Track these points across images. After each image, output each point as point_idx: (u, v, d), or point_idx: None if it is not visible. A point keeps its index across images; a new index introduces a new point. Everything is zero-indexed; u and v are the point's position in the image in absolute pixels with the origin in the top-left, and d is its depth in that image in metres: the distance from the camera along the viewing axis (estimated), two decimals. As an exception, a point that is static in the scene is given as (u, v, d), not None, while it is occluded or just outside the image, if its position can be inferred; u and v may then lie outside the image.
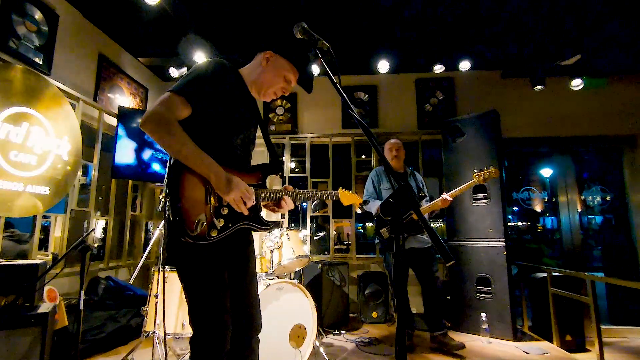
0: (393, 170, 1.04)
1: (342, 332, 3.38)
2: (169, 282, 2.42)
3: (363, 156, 4.70)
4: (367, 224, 5.22)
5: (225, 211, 1.26)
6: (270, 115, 4.68)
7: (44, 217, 2.90)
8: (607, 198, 4.46)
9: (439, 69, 4.21)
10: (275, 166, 1.45)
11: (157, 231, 2.62)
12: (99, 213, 3.54)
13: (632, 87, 4.26)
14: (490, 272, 3.30)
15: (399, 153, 3.13)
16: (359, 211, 4.45)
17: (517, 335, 3.20)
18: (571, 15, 3.30)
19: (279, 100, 4.68)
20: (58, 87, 2.88)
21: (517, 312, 3.37)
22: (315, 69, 4.13)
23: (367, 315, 3.76)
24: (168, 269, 2.44)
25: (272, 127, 4.63)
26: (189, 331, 1.42)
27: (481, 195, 3.45)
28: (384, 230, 2.94)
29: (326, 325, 3.42)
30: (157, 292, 2.34)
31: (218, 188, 1.21)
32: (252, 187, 1.32)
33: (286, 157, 4.59)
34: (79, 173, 3.15)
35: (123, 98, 3.92)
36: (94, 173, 3.40)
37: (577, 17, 3.30)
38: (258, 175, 1.39)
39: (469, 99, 4.48)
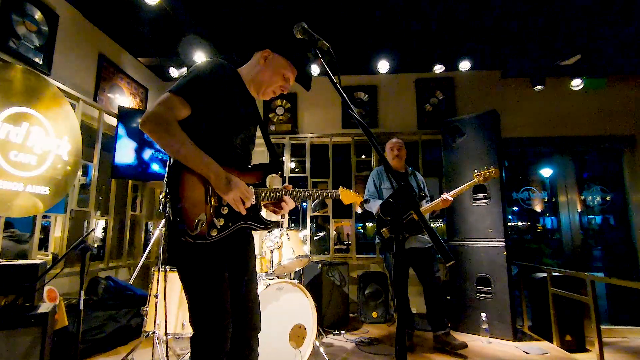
0: (393, 169, 1.03)
1: (342, 332, 3.37)
2: (169, 282, 2.42)
3: (363, 156, 4.70)
4: (367, 223, 5.22)
5: (225, 211, 1.26)
6: (270, 115, 4.68)
7: (44, 217, 2.89)
8: (607, 198, 4.46)
9: (439, 69, 4.21)
10: (275, 166, 1.45)
11: (157, 231, 2.62)
12: (99, 213, 3.54)
13: (632, 87, 4.26)
14: (490, 272, 3.30)
15: (400, 153, 3.13)
16: (359, 211, 4.45)
17: (517, 335, 3.20)
18: (571, 15, 3.30)
19: (278, 100, 4.68)
20: (58, 87, 2.88)
21: (517, 312, 3.36)
22: (315, 69, 4.14)
23: (367, 315, 3.76)
24: (168, 269, 2.44)
25: (272, 127, 4.63)
26: (189, 331, 1.42)
27: (481, 195, 3.45)
28: (384, 230, 2.94)
29: (326, 325, 3.42)
30: (157, 292, 2.34)
31: (217, 187, 1.21)
32: (251, 187, 1.32)
33: (286, 157, 4.59)
34: (79, 173, 3.15)
35: (123, 98, 3.92)
36: (94, 173, 3.40)
37: (577, 17, 3.30)
38: (258, 174, 1.39)
39: (469, 99, 4.48)
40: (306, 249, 2.71)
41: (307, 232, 4.03)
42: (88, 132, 3.41)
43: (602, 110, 4.26)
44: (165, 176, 1.21)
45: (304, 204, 4.54)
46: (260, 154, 4.35)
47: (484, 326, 3.16)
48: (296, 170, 4.79)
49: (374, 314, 3.74)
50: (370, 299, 3.78)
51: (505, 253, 3.25)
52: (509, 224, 3.60)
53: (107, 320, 2.93)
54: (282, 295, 2.34)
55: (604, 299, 4.23)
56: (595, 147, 4.54)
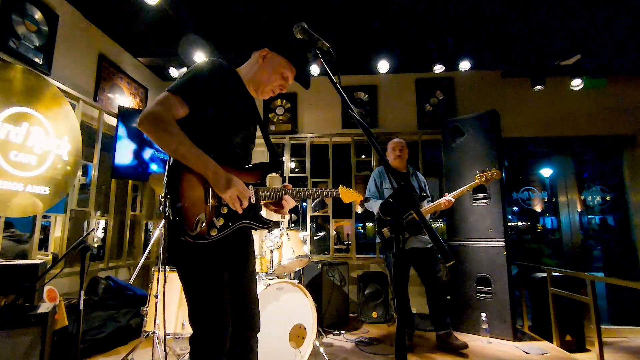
0: (393, 170, 1.03)
1: (342, 332, 3.37)
2: (169, 282, 2.42)
3: (363, 156, 4.69)
4: (367, 223, 5.22)
5: (224, 210, 1.26)
6: (270, 115, 4.68)
7: (43, 217, 2.89)
8: (607, 198, 4.46)
9: (439, 69, 4.21)
10: (275, 165, 1.45)
11: (157, 231, 2.62)
12: (99, 213, 3.54)
13: (632, 87, 4.26)
14: (490, 272, 3.30)
15: (402, 153, 3.13)
16: (359, 211, 4.45)
17: (517, 335, 3.20)
18: (571, 15, 3.29)
19: (278, 100, 4.68)
20: (58, 87, 2.88)
21: (517, 312, 3.37)
22: (315, 69, 4.14)
23: (367, 315, 3.76)
24: (168, 269, 2.44)
25: (272, 127, 4.63)
26: (189, 331, 1.42)
27: (481, 195, 3.45)
28: (385, 230, 2.94)
29: (326, 325, 3.42)
30: (157, 292, 2.34)
31: (215, 186, 1.21)
32: (251, 186, 1.32)
33: (286, 157, 4.59)
34: (79, 173, 3.15)
35: (123, 98, 3.92)
36: (94, 173, 3.40)
37: (577, 17, 3.30)
38: (258, 174, 1.39)
39: (469, 99, 4.48)
40: (306, 249, 2.71)
41: (307, 232, 4.03)
42: (88, 132, 3.41)
43: (602, 110, 4.26)
44: (165, 176, 1.22)
45: (304, 203, 4.54)
46: (260, 154, 4.36)
47: (484, 326, 3.17)
48: (296, 170, 4.79)
49: (374, 314, 3.74)
50: (370, 299, 3.78)
51: (505, 253, 3.25)
52: (509, 224, 3.60)
53: (107, 320, 2.93)
54: (282, 295, 2.34)
55: (604, 299, 4.23)
56: (595, 147, 4.54)
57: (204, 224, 1.19)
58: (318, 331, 2.71)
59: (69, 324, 2.33)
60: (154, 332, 2.36)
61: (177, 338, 2.42)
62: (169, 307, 2.37)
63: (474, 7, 3.24)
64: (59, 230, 3.06)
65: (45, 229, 3.12)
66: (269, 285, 2.26)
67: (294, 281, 2.47)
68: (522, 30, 3.58)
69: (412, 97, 4.59)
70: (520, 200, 4.66)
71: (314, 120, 4.67)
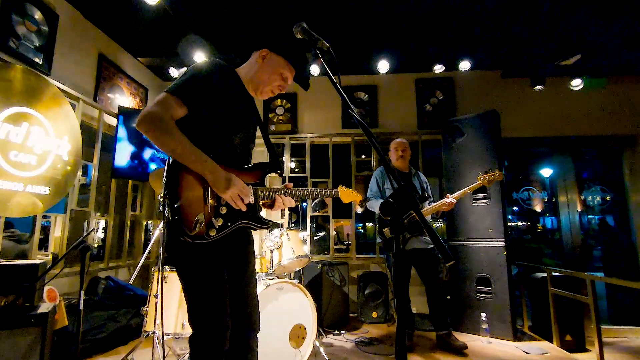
0: (393, 170, 1.03)
1: (342, 332, 3.37)
2: (168, 282, 2.42)
3: (363, 156, 4.69)
4: (367, 224, 5.22)
5: (223, 210, 1.26)
6: (270, 115, 4.68)
7: (43, 217, 2.90)
8: (607, 198, 4.45)
9: (439, 69, 4.21)
10: (274, 165, 1.45)
11: (157, 231, 2.62)
12: (98, 213, 3.54)
13: (632, 87, 4.26)
14: (490, 272, 3.30)
15: (404, 153, 3.13)
16: (359, 211, 4.45)
17: (517, 335, 3.20)
18: (571, 15, 3.29)
19: (278, 100, 4.68)
20: (58, 87, 2.88)
21: (517, 312, 3.36)
22: (315, 69, 4.14)
23: (367, 315, 3.76)
24: (168, 269, 2.44)
25: (272, 127, 4.63)
26: (189, 331, 1.42)
27: (481, 196, 3.45)
28: (386, 230, 2.94)
29: (326, 325, 3.42)
30: (157, 292, 2.34)
31: (215, 186, 1.21)
32: (250, 186, 1.32)
33: (286, 157, 4.59)
34: (79, 173, 3.15)
35: (123, 98, 3.92)
36: (94, 173, 3.40)
37: (577, 17, 3.30)
38: (257, 174, 1.39)
39: (469, 99, 4.47)
40: (306, 249, 2.72)
41: (307, 232, 4.03)
42: (88, 132, 3.40)
43: (602, 110, 4.26)
44: (164, 176, 1.21)
45: (304, 203, 4.54)
46: (260, 154, 4.36)
47: (484, 326, 3.17)
48: (296, 170, 4.79)
49: (374, 314, 3.74)
50: (370, 299, 3.78)
51: (505, 253, 3.25)
52: (509, 224, 3.60)
53: (107, 320, 2.93)
54: (282, 295, 2.34)
55: (604, 299, 4.22)
56: (595, 147, 4.54)
57: (203, 224, 1.19)
58: (318, 331, 2.71)
59: (69, 324, 2.33)
60: (154, 332, 2.36)
61: (177, 338, 2.42)
62: (169, 307, 2.37)
63: (474, 8, 3.24)
64: (59, 230, 3.07)
65: (45, 229, 3.12)
66: (269, 285, 2.26)
67: (294, 281, 2.47)
68: (522, 30, 3.58)
69: (412, 97, 4.58)
70: (520, 200, 4.66)
71: (314, 120, 4.67)
